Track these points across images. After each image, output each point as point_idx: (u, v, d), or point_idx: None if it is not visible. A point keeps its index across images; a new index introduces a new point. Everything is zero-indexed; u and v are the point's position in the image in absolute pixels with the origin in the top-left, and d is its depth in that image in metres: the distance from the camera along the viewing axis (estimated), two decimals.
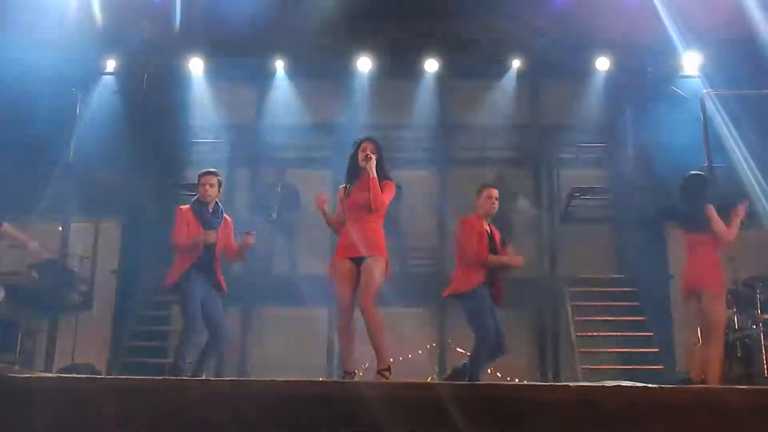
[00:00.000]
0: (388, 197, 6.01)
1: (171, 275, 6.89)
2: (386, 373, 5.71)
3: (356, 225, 5.94)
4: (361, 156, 6.05)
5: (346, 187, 6.19)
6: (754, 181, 9.77)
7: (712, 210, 7.10)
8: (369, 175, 5.95)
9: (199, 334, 6.94)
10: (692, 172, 7.59)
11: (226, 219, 7.24)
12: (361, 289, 5.83)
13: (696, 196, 7.32)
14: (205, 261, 6.94)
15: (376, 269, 5.83)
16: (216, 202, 7.20)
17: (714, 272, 7.14)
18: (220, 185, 7.27)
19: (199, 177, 7.17)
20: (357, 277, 5.89)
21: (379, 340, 5.76)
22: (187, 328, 6.82)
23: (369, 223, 5.95)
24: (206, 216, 7.08)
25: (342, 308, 5.93)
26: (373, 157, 5.97)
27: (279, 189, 12.13)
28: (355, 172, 6.15)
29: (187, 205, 7.11)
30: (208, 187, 7.10)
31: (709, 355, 7.01)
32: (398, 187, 11.74)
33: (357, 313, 5.95)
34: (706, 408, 3.79)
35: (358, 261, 5.88)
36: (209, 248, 6.99)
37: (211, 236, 7.01)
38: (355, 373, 5.84)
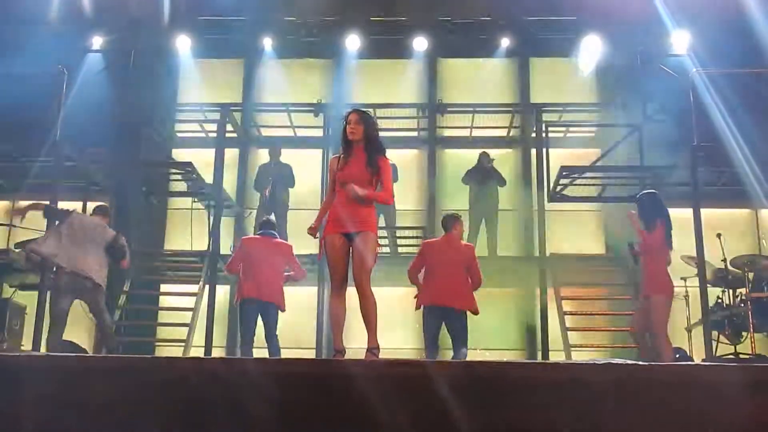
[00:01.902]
0: (390, 181, 6.03)
1: None
2: (376, 352, 5.69)
3: (347, 199, 5.83)
4: (348, 129, 5.96)
5: (339, 158, 6.07)
6: (743, 160, 9.77)
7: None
8: (360, 150, 5.90)
9: None
10: (646, 191, 7.77)
11: None
12: (356, 266, 5.73)
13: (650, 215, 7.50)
14: None
15: (369, 245, 5.76)
16: None
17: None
18: None
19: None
20: (348, 251, 5.82)
21: (372, 319, 5.72)
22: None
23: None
24: None
25: (334, 283, 5.85)
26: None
27: (273, 165, 12.06)
28: (346, 146, 6.03)
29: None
30: None
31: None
32: (392, 165, 11.81)
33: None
34: (696, 385, 3.80)
35: (349, 236, 5.80)
36: None
37: None
38: (345, 352, 5.81)
